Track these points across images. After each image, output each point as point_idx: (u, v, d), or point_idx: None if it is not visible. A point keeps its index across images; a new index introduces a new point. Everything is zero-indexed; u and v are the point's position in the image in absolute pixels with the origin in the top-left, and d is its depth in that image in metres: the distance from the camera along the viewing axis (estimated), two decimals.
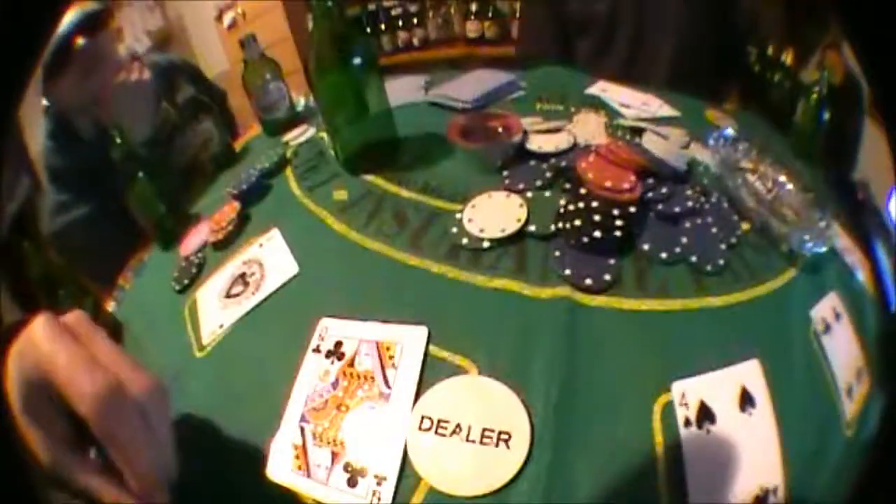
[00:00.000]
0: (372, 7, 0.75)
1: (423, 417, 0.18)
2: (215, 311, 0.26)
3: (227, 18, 0.85)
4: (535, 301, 0.20)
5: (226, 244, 0.30)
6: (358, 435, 0.18)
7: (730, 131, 0.36)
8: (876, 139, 0.43)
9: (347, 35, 0.29)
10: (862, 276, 0.35)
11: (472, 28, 0.71)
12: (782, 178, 0.34)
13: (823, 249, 0.29)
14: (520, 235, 0.23)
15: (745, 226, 0.28)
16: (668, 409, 0.19)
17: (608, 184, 0.23)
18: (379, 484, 0.17)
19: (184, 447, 0.15)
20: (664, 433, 0.18)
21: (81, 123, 0.42)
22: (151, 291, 0.30)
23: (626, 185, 0.23)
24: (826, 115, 0.49)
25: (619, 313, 0.20)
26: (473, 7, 0.70)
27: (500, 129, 0.29)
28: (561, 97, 0.39)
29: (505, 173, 0.27)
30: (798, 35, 0.58)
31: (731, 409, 0.20)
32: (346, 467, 0.18)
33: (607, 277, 0.20)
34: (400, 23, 0.73)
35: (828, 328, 0.29)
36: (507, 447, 0.16)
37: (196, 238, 0.32)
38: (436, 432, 0.17)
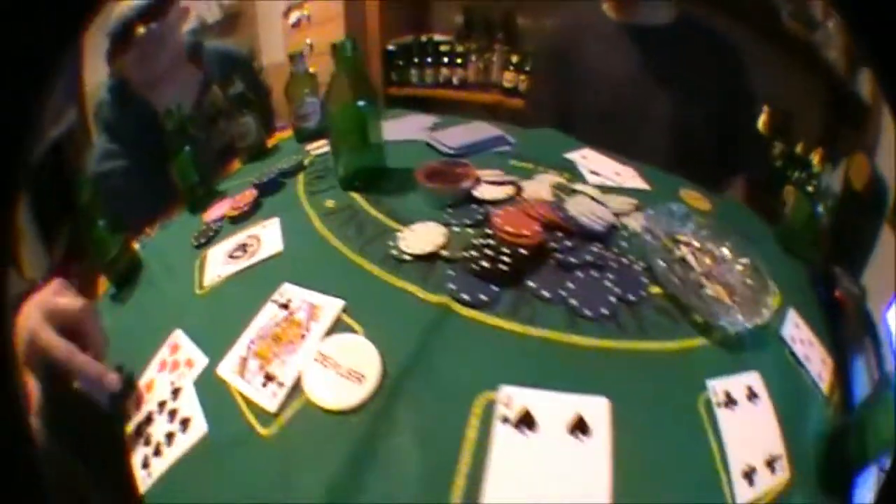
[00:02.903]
0: (424, 39, 0.95)
1: (319, 353, 0.32)
2: (218, 265, 0.43)
3: (293, 17, 1.08)
4: (423, 301, 0.33)
5: (239, 220, 0.47)
6: (279, 357, 0.33)
7: (676, 207, 0.46)
8: (888, 250, 0.50)
9: (359, 79, 0.46)
10: (816, 370, 0.41)
11: (508, 78, 0.86)
12: (726, 256, 0.44)
13: (745, 329, 0.36)
14: (434, 256, 0.37)
15: (655, 289, 0.37)
16: (490, 406, 0.28)
17: (509, 229, 0.36)
18: (280, 387, 0.31)
19: None
20: (479, 424, 0.27)
21: (137, 90, 0.57)
22: (173, 243, 0.47)
23: (526, 233, 0.36)
24: (820, 210, 0.58)
25: (481, 325, 0.32)
26: (514, 59, 0.86)
27: (458, 176, 0.44)
28: (537, 157, 0.53)
29: (449, 211, 0.42)
30: (831, 138, 0.65)
31: (558, 427, 0.27)
32: (266, 374, 0.32)
33: (482, 297, 0.33)
34: (445, 60, 0.91)
35: (731, 403, 0.34)
36: (360, 384, 0.29)
37: (219, 210, 0.49)
38: (322, 364, 0.31)
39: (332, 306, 0.35)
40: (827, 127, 0.68)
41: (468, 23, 0.95)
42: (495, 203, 0.41)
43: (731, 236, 0.46)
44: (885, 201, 0.53)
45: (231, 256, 0.43)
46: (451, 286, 0.34)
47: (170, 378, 0.36)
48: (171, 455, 0.32)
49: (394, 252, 0.37)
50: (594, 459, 0.27)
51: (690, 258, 0.41)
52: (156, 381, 0.36)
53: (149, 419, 0.35)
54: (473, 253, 0.35)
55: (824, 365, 0.43)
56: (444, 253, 0.36)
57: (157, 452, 0.33)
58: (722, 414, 0.33)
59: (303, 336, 0.34)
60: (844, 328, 0.51)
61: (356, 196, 0.45)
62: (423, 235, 0.38)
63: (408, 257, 0.37)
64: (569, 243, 0.37)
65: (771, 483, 0.33)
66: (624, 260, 0.38)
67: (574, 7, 0.79)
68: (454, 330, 0.32)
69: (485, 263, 0.34)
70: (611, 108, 0.67)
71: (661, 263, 0.38)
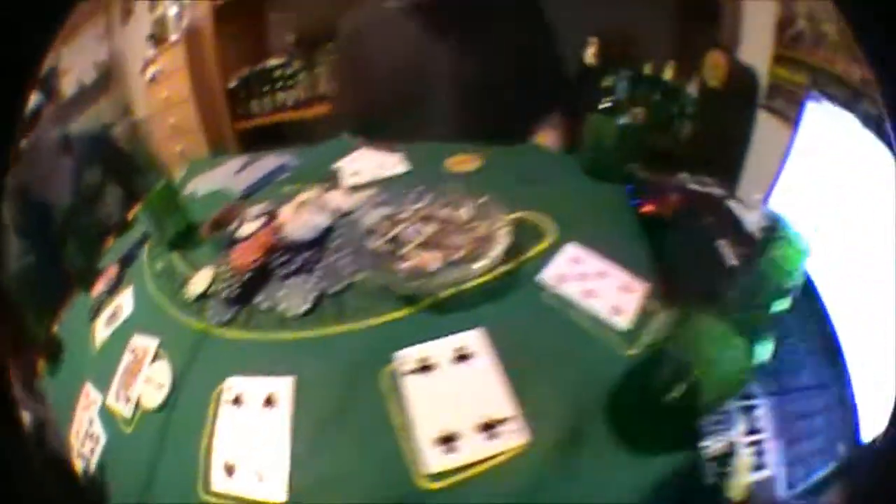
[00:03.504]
0: (258, 68, 1.01)
1: (146, 377, 0.51)
2: (101, 330, 0.63)
3: (149, 73, 1.18)
4: (192, 329, 0.52)
5: (111, 293, 0.66)
6: (132, 384, 0.53)
7: (416, 181, 0.56)
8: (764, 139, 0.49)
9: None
10: (608, 303, 0.38)
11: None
12: (457, 217, 0.51)
13: (452, 288, 0.40)
14: (206, 294, 0.54)
15: (360, 275, 0.48)
16: (220, 393, 0.43)
17: (237, 260, 0.52)
18: (131, 402, 0.52)
19: None
20: (215, 407, 0.43)
21: (31, 192, 0.72)
22: (78, 319, 0.68)
23: (250, 259, 0.52)
24: (625, 121, 0.55)
25: (225, 338, 0.49)
26: None
27: (229, 220, 0.60)
28: (310, 175, 0.67)
29: (223, 253, 0.58)
30: (683, 46, 0.63)
31: (257, 404, 0.40)
32: (126, 397, 0.53)
33: (225, 318, 0.50)
34: (279, 84, 0.89)
35: (427, 369, 0.35)
36: (160, 391, 0.49)
37: (99, 286, 0.68)
38: (146, 383, 0.51)
39: (152, 345, 0.54)
40: (677, 35, 0.63)
41: (299, 40, 1.02)
42: (248, 238, 0.57)
43: (491, 191, 0.52)
44: (752, 91, 0.50)
45: (107, 324, 0.62)
46: (208, 314, 0.52)
47: (87, 415, 0.58)
48: (93, 463, 0.54)
49: (186, 296, 0.55)
50: (278, 429, 0.38)
51: (406, 233, 0.51)
52: (81, 419, 0.58)
53: (82, 445, 0.57)
54: (221, 285, 0.52)
55: (628, 292, 0.40)
56: (211, 290, 0.54)
57: (88, 466, 0.55)
58: (410, 381, 0.35)
59: (140, 369, 0.54)
60: (683, 242, 0.47)
61: (175, 255, 0.63)
62: (200, 279, 0.55)
63: (191, 299, 0.55)
64: (284, 258, 0.52)
65: (490, 448, 0.32)
66: (332, 257, 0.51)
67: (362, 5, 0.77)
68: (209, 345, 0.50)
69: (225, 292, 0.51)
70: (401, 93, 0.69)
71: (352, 251, 0.50)
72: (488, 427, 0.31)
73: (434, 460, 0.31)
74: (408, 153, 0.66)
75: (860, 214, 0.48)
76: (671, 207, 0.52)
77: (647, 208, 0.52)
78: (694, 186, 0.56)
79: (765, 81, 0.53)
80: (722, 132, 0.57)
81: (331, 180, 0.64)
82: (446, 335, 0.37)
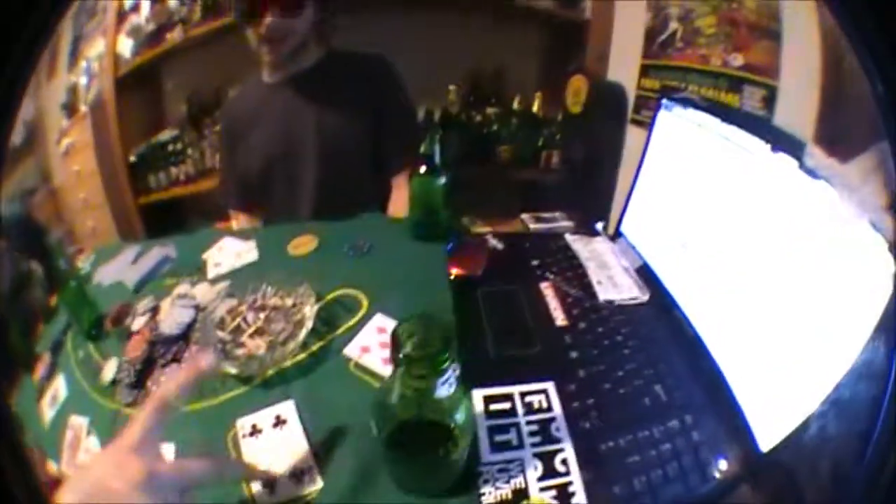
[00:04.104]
0: (153, 141, 1.04)
1: (84, 449, 0.71)
2: (47, 409, 0.81)
3: (64, 146, 1.26)
4: (109, 410, 0.70)
5: (49, 378, 0.84)
6: (76, 453, 0.72)
7: (259, 275, 0.70)
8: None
9: (61, 268, 0.78)
10: None
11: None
12: (282, 304, 0.65)
13: (269, 369, 0.56)
14: (114, 381, 0.73)
15: None
16: None
17: (129, 352, 0.70)
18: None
19: None
20: None
21: None
22: (28, 398, 0.86)
23: (138, 352, 0.70)
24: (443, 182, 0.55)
25: (128, 416, 0.69)
26: None
27: (126, 314, 0.76)
28: (185, 266, 0.82)
29: (122, 344, 0.76)
30: (549, 76, 0.65)
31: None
32: (69, 463, 0.73)
33: (130, 400, 0.69)
34: (171, 158, 1.02)
35: (256, 432, 0.46)
36: None
37: (39, 372, 0.86)
38: (84, 454, 0.70)
39: (84, 423, 0.73)
40: (544, 65, 0.66)
41: (189, 112, 1.03)
42: (138, 332, 0.74)
43: (322, 271, 0.66)
44: (617, 110, 0.53)
45: (50, 405, 0.81)
46: (117, 397, 0.70)
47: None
48: None
49: (101, 382, 0.74)
50: None
51: (243, 323, 0.66)
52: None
53: None
54: (123, 373, 0.71)
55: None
56: (118, 377, 0.72)
57: None
58: (246, 442, 0.47)
59: (80, 443, 0.73)
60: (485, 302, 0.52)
61: (91, 346, 0.80)
62: (109, 368, 0.73)
63: (105, 384, 0.73)
64: (161, 350, 0.70)
65: (298, 491, 0.42)
66: (194, 348, 0.69)
67: (243, 84, 0.88)
68: (121, 421, 0.69)
69: (126, 379, 0.70)
70: (273, 164, 0.79)
71: (205, 342, 0.66)
72: (294, 475, 0.43)
73: (262, 500, 0.44)
74: (259, 238, 0.82)
75: (720, 219, 0.49)
76: (480, 265, 0.58)
77: (456, 271, 0.57)
78: (536, 226, 0.64)
79: (632, 96, 0.55)
80: (587, 156, 0.60)
81: (199, 272, 0.81)
82: (269, 405, 0.51)
